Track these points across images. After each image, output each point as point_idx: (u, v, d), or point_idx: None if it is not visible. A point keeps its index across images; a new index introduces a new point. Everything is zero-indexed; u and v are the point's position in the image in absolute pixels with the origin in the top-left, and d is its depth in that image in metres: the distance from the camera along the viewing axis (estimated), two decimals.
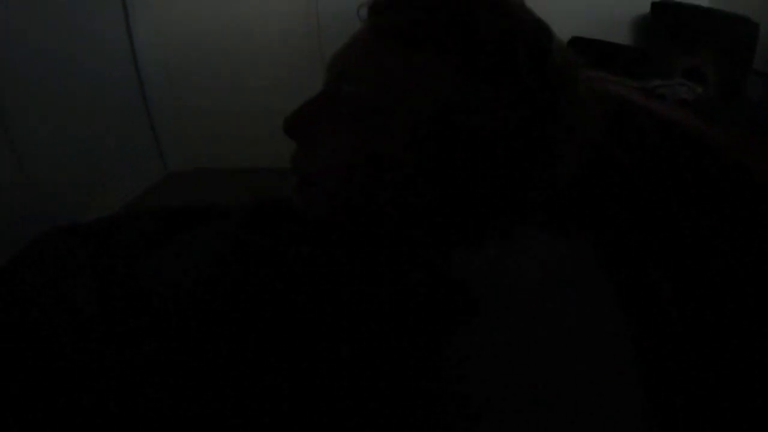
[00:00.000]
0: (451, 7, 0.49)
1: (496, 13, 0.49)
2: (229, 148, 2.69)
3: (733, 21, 1.92)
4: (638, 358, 0.68)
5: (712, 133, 1.01)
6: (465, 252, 0.62)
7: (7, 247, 0.84)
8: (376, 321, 0.49)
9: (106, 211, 2.13)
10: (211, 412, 0.47)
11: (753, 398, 0.72)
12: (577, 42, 1.99)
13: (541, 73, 0.49)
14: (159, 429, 0.49)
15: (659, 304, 1.08)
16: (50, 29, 2.01)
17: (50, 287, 0.76)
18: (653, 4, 2.01)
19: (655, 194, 1.26)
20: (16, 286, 0.78)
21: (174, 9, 2.51)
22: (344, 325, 0.48)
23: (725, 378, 0.75)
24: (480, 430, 0.49)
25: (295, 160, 0.56)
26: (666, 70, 1.84)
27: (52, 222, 0.93)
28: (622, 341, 0.95)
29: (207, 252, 0.65)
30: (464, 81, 0.48)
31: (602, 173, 1.59)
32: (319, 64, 2.16)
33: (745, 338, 0.76)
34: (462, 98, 0.48)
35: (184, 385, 0.49)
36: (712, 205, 0.99)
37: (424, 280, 0.53)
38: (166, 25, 2.54)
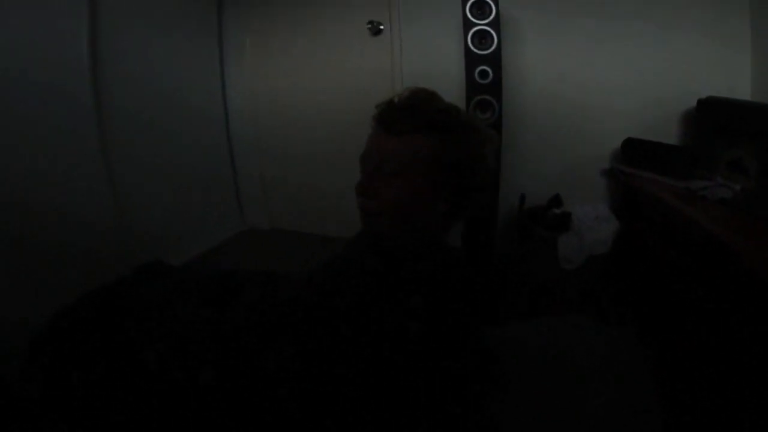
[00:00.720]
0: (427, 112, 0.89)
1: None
2: (305, 213, 2.95)
3: None
4: None
5: (735, 242, 1.21)
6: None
7: (99, 278, 1.08)
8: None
9: (186, 257, 2.44)
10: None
11: None
12: (630, 144, 2.14)
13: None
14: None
15: (693, 397, 1.20)
16: (156, 104, 2.37)
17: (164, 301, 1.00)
18: (699, 101, 2.12)
19: (692, 298, 1.43)
20: (135, 297, 1.03)
21: (266, 81, 2.84)
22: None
23: None
24: None
25: (363, 204, 0.92)
26: (711, 163, 1.97)
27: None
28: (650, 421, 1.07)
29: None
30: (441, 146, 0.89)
31: (652, 273, 1.73)
32: None
33: None
34: (441, 156, 0.88)
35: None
36: (738, 315, 1.18)
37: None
38: (258, 95, 2.88)
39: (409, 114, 0.90)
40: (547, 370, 1.53)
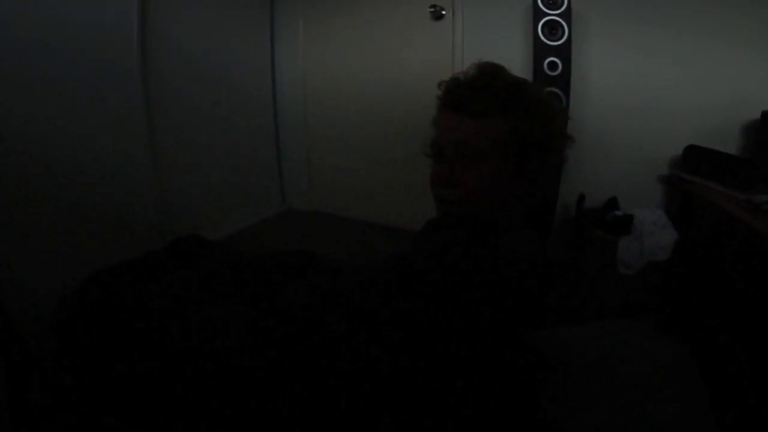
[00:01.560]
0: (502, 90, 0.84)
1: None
2: (346, 198, 2.91)
3: None
4: None
5: None
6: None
7: (137, 249, 1.07)
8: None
9: (224, 233, 2.42)
10: None
11: None
12: (692, 151, 2.08)
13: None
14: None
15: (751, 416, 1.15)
16: (204, 80, 2.36)
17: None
18: (764, 113, 2.05)
19: (754, 311, 1.37)
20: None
21: (318, 64, 2.80)
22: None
23: None
24: None
25: (445, 194, 0.87)
26: None
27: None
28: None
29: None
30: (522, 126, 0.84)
31: (712, 283, 1.67)
32: None
33: None
34: (525, 136, 0.83)
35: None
36: None
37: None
38: (308, 78, 2.85)
39: (484, 93, 0.83)
40: (604, 376, 1.48)
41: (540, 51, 1.98)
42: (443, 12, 2.39)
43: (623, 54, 2.21)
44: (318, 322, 0.73)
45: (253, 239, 2.48)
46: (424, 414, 0.75)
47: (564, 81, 1.96)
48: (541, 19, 1.98)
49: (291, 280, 0.99)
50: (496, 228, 0.85)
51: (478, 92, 0.83)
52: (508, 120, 0.83)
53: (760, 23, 2.06)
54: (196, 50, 2.29)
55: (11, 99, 1.53)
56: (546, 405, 1.27)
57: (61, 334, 0.87)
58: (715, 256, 1.81)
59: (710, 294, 1.77)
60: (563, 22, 1.98)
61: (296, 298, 0.85)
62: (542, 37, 1.97)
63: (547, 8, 1.98)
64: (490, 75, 0.86)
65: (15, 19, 1.52)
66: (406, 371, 0.71)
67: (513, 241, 0.82)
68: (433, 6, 2.39)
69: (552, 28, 1.98)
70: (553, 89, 1.95)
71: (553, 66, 1.96)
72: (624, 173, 2.28)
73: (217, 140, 2.47)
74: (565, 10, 1.98)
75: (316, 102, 2.85)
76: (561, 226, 2.21)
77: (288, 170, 3.03)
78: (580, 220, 2.00)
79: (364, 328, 0.71)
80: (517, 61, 2.20)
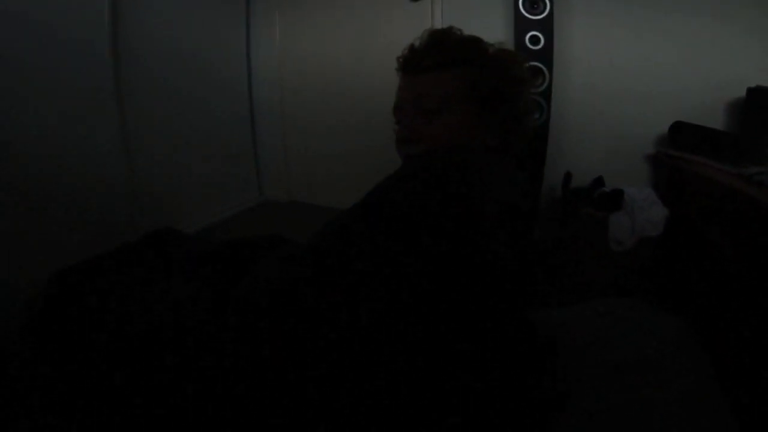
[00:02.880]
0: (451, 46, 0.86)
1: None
2: (325, 186, 2.83)
3: None
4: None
5: None
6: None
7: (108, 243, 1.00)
8: None
9: (199, 225, 2.31)
10: None
11: None
12: (679, 126, 2.05)
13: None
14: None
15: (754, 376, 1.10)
16: (177, 65, 2.26)
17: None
18: (749, 90, 2.05)
19: (752, 279, 1.32)
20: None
21: (294, 49, 2.71)
22: None
23: None
24: None
25: (408, 151, 0.86)
26: (758, 153, 1.88)
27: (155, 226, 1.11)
28: (719, 411, 0.97)
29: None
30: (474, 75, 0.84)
31: (706, 257, 1.63)
32: None
33: None
34: (477, 85, 0.84)
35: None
36: None
37: None
38: (285, 63, 2.75)
39: (435, 49, 0.86)
40: (603, 358, 1.43)
41: (521, 26, 1.92)
42: None
43: (608, 30, 2.17)
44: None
45: (229, 231, 2.38)
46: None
47: (547, 55, 1.91)
48: None
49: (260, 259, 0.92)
50: (464, 164, 0.75)
51: (429, 50, 0.86)
52: (464, 72, 0.85)
53: (747, 1, 2.04)
54: (169, 36, 2.19)
55: None
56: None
57: (28, 336, 0.82)
58: (706, 228, 1.78)
59: (704, 265, 1.73)
60: None
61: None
62: (523, 11, 1.92)
63: None
64: (440, 33, 0.89)
65: None
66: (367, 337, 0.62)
67: (484, 177, 0.72)
68: None
69: (533, 3, 1.93)
70: (537, 63, 1.90)
71: (535, 40, 1.91)
72: (609, 152, 2.25)
73: (191, 130, 2.36)
74: None
75: (293, 90, 2.76)
76: (548, 206, 2.15)
77: (265, 161, 2.92)
78: (567, 199, 1.94)
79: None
80: (498, 39, 2.14)
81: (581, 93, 2.20)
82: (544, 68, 1.89)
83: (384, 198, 0.69)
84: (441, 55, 0.85)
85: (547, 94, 1.91)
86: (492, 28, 2.21)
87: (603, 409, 1.20)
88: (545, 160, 1.96)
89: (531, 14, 1.91)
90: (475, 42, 0.89)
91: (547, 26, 1.91)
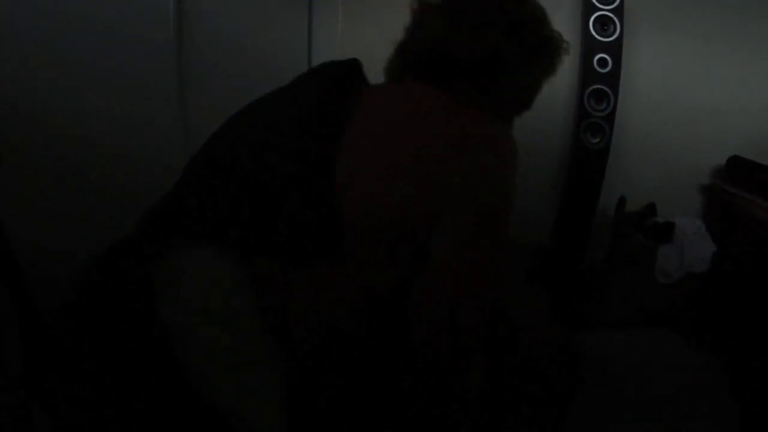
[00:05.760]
0: None
1: None
2: None
3: None
4: None
5: None
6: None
7: None
8: None
9: None
10: None
11: None
12: (735, 162, 2.03)
13: None
14: None
15: None
16: (239, 63, 2.28)
17: None
18: None
19: None
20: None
21: (357, 53, 2.73)
22: None
23: None
24: None
25: None
26: None
27: None
28: None
29: None
30: None
31: (750, 300, 1.62)
32: None
33: None
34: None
35: None
36: None
37: None
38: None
39: None
40: (634, 388, 1.44)
41: (590, 47, 1.91)
42: None
43: (674, 56, 2.14)
44: None
45: None
46: None
47: (613, 80, 1.89)
48: (592, 14, 1.92)
49: None
50: None
51: None
52: None
53: None
54: (232, 32, 2.22)
55: (42, 72, 1.55)
56: (574, 413, 1.23)
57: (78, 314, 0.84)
58: (754, 272, 1.76)
59: (747, 310, 1.72)
60: (615, 18, 1.91)
61: None
62: (594, 33, 1.90)
63: (599, 2, 1.91)
64: None
65: None
66: None
67: None
68: None
69: (603, 24, 1.91)
70: (602, 87, 1.89)
71: (602, 63, 1.89)
72: (664, 179, 2.21)
73: None
74: (618, 5, 1.91)
75: None
76: (600, 229, 2.14)
77: None
78: (619, 223, 1.93)
79: None
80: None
81: (642, 117, 2.18)
82: (609, 91, 1.88)
83: None
84: None
85: (610, 119, 1.90)
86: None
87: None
88: (602, 184, 1.96)
89: (601, 36, 1.90)
90: None
91: (616, 49, 1.90)
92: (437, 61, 0.90)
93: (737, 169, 2.05)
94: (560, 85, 2.06)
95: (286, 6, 2.61)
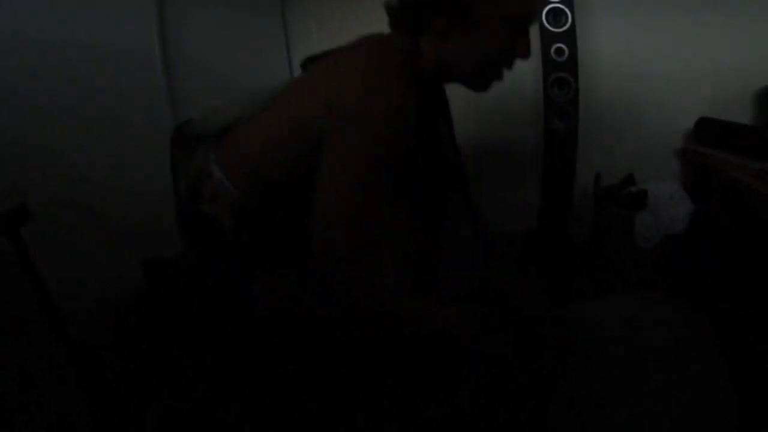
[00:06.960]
0: None
1: None
2: None
3: None
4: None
5: None
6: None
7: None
8: None
9: None
10: None
11: None
12: (703, 123, 2.12)
13: None
14: None
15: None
16: (226, 90, 2.33)
17: None
18: None
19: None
20: None
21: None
22: None
23: None
24: None
25: None
26: None
27: None
28: (729, 406, 1.07)
29: None
30: None
31: (728, 253, 1.71)
32: None
33: None
34: None
35: None
36: None
37: None
38: None
39: None
40: (620, 347, 1.53)
41: (546, 38, 2.04)
42: None
43: (630, 31, 2.26)
44: None
45: None
46: None
47: (572, 65, 2.02)
48: (544, 8, 2.04)
49: None
50: None
51: None
52: None
53: None
54: (215, 61, 2.38)
55: (45, 127, 1.65)
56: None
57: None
58: (729, 225, 1.85)
59: (724, 261, 1.81)
60: (566, 9, 2.02)
61: None
62: (547, 25, 2.03)
63: None
64: None
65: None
66: None
67: None
68: None
69: (556, 15, 2.03)
70: (563, 74, 2.02)
71: (559, 52, 2.02)
72: (639, 149, 2.33)
73: None
74: None
75: None
76: (581, 203, 2.25)
77: None
78: (598, 198, 2.06)
79: None
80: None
81: (607, 95, 2.30)
82: (571, 78, 2.01)
83: None
84: None
85: (574, 102, 2.02)
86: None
87: (619, 390, 1.32)
88: (576, 164, 2.08)
89: (554, 27, 2.03)
90: None
91: (569, 37, 2.02)
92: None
93: (706, 129, 2.14)
94: (525, 77, 2.21)
95: (262, 32, 2.76)
